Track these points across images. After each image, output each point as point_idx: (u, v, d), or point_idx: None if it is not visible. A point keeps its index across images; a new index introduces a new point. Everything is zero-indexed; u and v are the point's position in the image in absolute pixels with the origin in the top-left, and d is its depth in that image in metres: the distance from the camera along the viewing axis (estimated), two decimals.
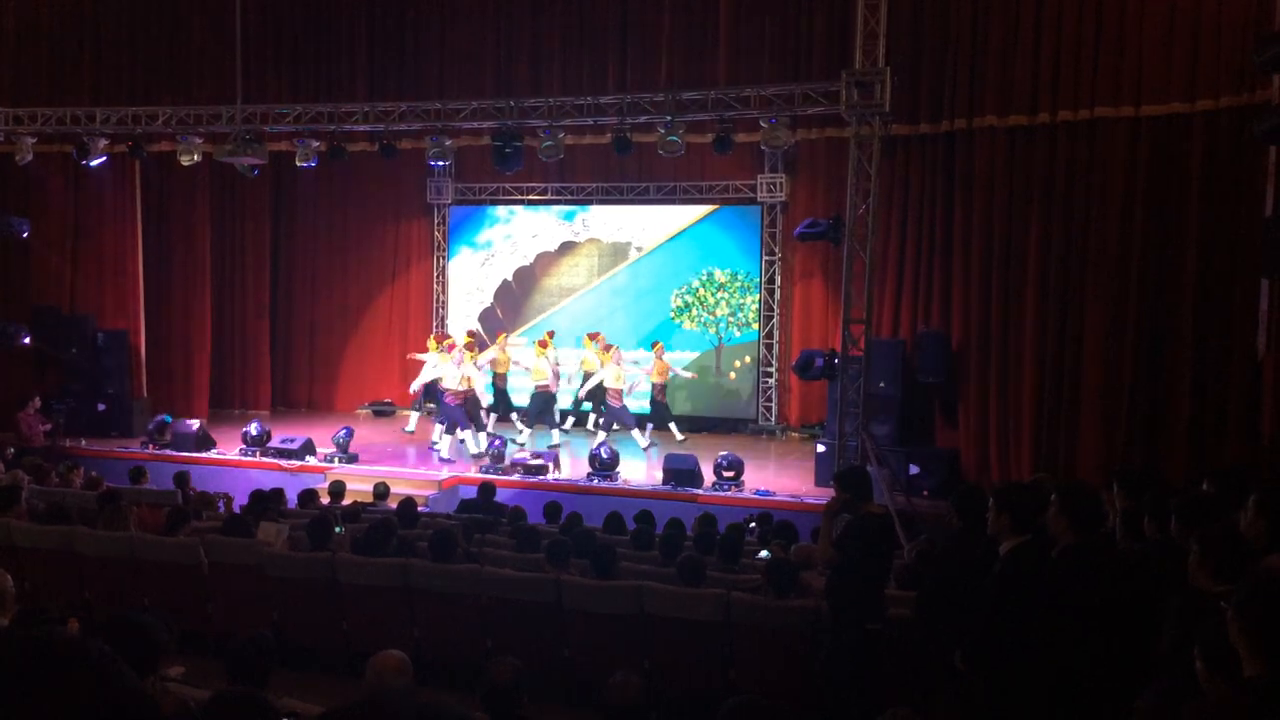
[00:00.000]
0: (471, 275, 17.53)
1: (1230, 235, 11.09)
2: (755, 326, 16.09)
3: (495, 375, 14.93)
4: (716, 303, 16.27)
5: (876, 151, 11.54)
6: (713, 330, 16.17)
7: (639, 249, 16.62)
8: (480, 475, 12.13)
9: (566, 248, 16.96)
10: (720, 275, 16.23)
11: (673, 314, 16.43)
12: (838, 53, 13.08)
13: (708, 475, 12.06)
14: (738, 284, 16.16)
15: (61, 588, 7.45)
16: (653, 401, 14.48)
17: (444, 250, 17.65)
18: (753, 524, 9.76)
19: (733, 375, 15.47)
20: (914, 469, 12.04)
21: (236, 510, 9.48)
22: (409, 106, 13.80)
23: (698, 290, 16.34)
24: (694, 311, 16.36)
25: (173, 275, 16.90)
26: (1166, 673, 3.23)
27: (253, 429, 13.72)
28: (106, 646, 1.65)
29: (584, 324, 16.41)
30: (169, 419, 14.43)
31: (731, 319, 16.20)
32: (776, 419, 16.05)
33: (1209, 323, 11.30)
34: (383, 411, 17.32)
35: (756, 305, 16.08)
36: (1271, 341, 10.26)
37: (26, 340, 15.39)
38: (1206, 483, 5.57)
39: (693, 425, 15.52)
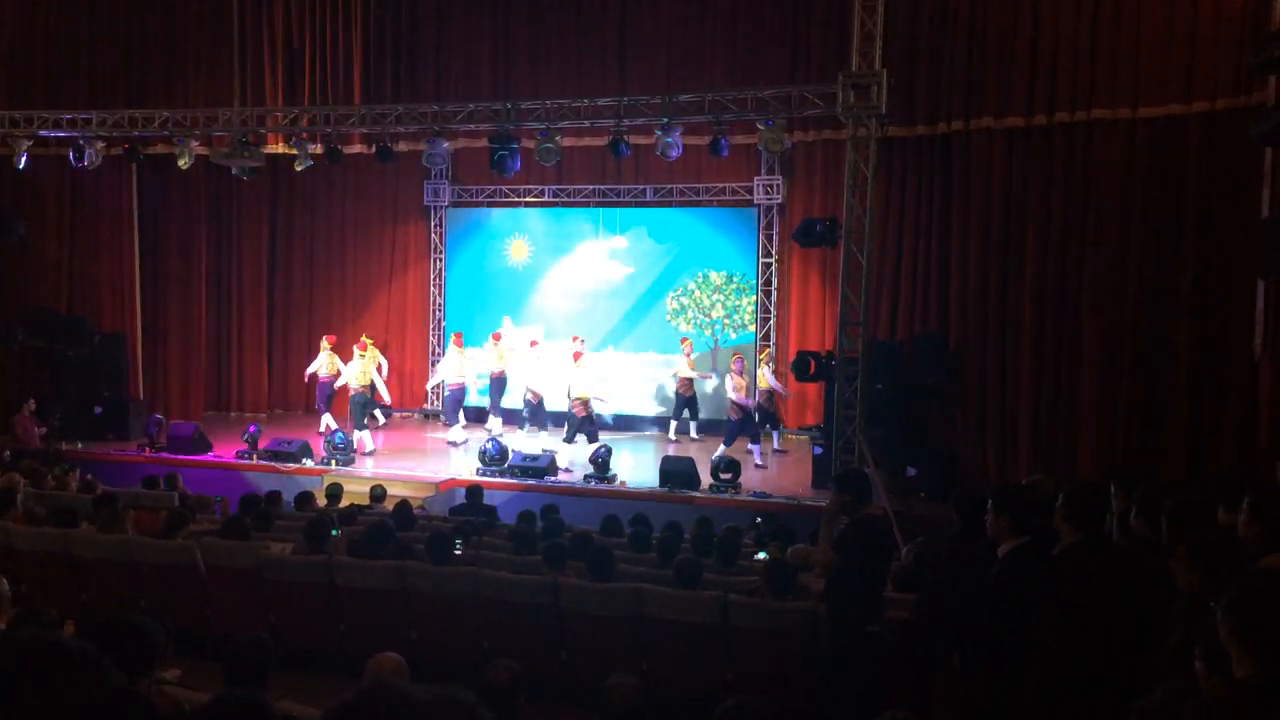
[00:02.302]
0: (469, 277, 17.53)
1: (1227, 236, 11.11)
2: (752, 328, 16.09)
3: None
4: (712, 304, 16.27)
5: (873, 153, 11.54)
6: (708, 332, 16.15)
7: (636, 251, 16.61)
8: (476, 478, 12.14)
9: (564, 250, 16.95)
10: (716, 277, 16.22)
11: (669, 316, 16.42)
12: (834, 55, 13.08)
13: (705, 477, 12.06)
14: (733, 286, 16.16)
15: (59, 591, 7.43)
16: (760, 409, 14.26)
17: (441, 252, 17.64)
18: (759, 520, 9.74)
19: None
20: (911, 471, 12.04)
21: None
22: (406, 109, 13.79)
23: (694, 292, 16.34)
24: (690, 314, 16.36)
25: (169, 278, 16.91)
26: (1169, 674, 3.22)
27: (250, 431, 13.74)
28: (96, 649, 1.65)
29: (581, 326, 16.38)
30: (159, 419, 14.50)
31: (727, 321, 16.20)
32: (774, 421, 16.04)
33: (1206, 324, 11.34)
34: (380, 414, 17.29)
35: (753, 307, 16.08)
36: (1268, 342, 10.28)
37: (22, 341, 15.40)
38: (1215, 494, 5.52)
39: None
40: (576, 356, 14.02)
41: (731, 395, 13.54)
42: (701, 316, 16.29)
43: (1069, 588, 4.23)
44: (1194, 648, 2.90)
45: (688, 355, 14.92)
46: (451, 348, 15.30)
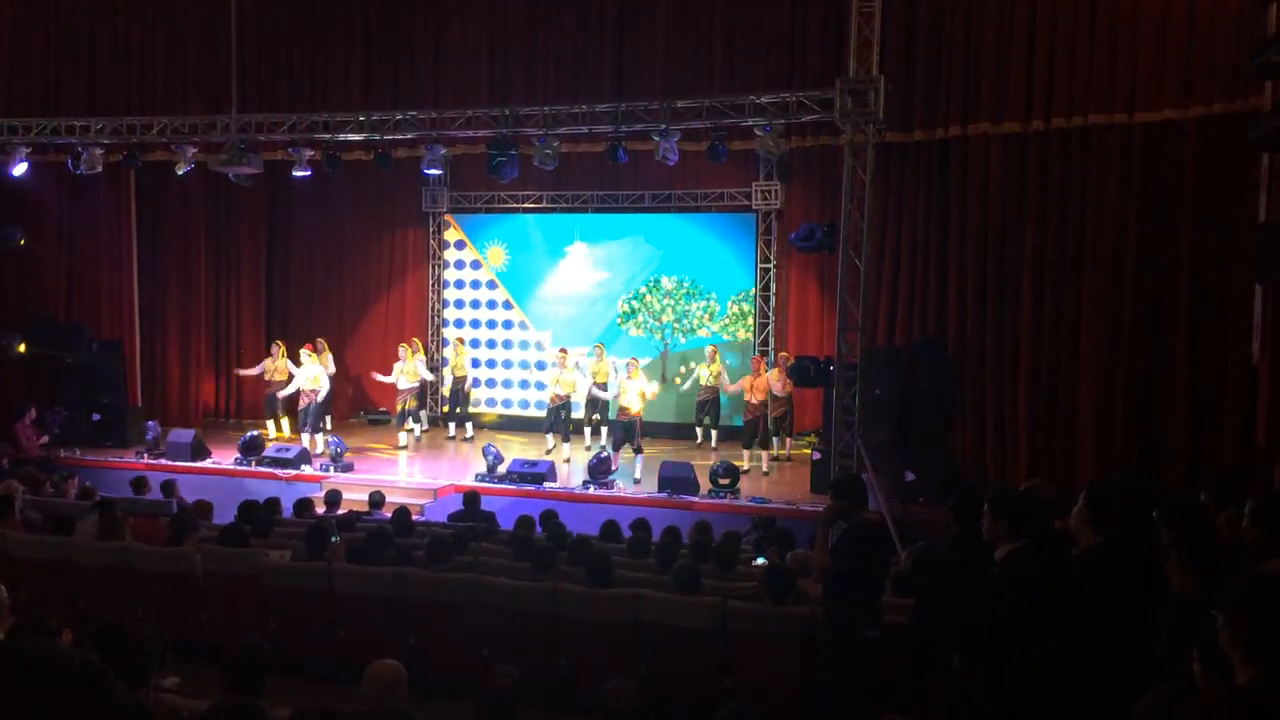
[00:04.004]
0: (468, 282, 17.55)
1: (1224, 241, 11.12)
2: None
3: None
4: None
5: (871, 159, 11.55)
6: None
7: (634, 257, 16.60)
8: (474, 484, 12.13)
9: (561, 255, 16.96)
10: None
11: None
12: (832, 61, 13.09)
13: (704, 483, 12.05)
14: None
15: (57, 598, 7.42)
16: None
17: (439, 258, 17.66)
18: (753, 524, 9.73)
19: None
20: (910, 476, 12.04)
21: None
22: (404, 115, 13.80)
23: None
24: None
25: (168, 284, 16.91)
26: (1165, 676, 3.22)
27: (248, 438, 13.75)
28: (95, 658, 1.65)
29: (581, 331, 16.41)
30: (154, 425, 14.55)
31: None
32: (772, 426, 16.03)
33: (1203, 328, 11.34)
34: (378, 420, 17.31)
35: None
36: (1266, 346, 10.28)
37: (21, 350, 15.39)
38: (1204, 494, 5.51)
39: (682, 433, 15.84)
40: (632, 370, 13.91)
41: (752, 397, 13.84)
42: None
43: (1095, 588, 4.20)
44: (1190, 649, 2.90)
45: (710, 363, 14.89)
46: (403, 351, 15.37)
